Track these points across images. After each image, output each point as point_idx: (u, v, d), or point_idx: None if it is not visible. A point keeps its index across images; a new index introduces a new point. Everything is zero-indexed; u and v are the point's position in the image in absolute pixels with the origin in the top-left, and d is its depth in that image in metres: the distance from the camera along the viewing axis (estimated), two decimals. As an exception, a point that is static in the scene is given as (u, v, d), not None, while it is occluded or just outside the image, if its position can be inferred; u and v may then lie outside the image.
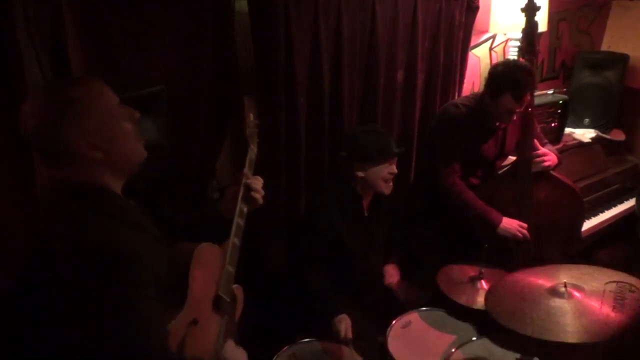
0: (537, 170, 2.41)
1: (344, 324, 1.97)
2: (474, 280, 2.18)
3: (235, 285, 1.49)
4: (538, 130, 2.59)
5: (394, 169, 2.15)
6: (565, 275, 1.81)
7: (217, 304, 1.38)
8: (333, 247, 2.12)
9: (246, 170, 1.55)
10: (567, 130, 3.37)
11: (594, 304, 1.67)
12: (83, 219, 1.12)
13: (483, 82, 2.57)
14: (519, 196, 2.44)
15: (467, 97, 2.63)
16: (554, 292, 1.75)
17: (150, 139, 1.67)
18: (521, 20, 2.42)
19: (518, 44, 2.97)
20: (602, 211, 3.23)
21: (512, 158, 2.67)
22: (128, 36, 1.79)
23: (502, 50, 3.29)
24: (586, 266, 1.92)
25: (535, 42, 2.37)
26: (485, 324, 1.92)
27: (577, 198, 2.52)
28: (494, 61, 3.20)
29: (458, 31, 2.82)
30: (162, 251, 1.27)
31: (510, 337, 1.81)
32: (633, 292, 1.70)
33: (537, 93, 2.67)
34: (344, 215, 2.14)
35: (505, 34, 3.14)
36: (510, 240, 2.39)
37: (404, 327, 2.05)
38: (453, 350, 1.87)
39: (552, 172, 2.47)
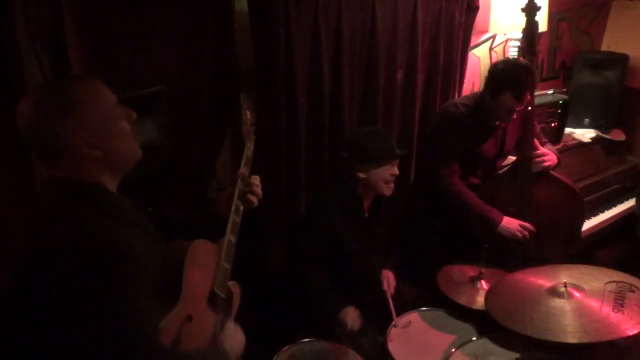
0: (537, 170, 2.41)
1: (350, 317, 1.98)
2: (474, 280, 2.18)
3: (231, 282, 1.49)
4: (537, 129, 2.59)
5: (395, 170, 2.15)
6: (565, 275, 1.82)
7: (212, 300, 1.37)
8: (333, 248, 2.12)
9: (242, 168, 1.54)
10: (567, 130, 3.37)
11: (594, 304, 1.67)
12: (80, 217, 1.12)
13: (483, 82, 2.57)
14: (519, 196, 2.44)
15: (466, 96, 2.62)
16: (554, 292, 1.75)
17: (150, 139, 1.68)
18: (521, 20, 2.41)
19: (518, 44, 2.99)
20: (602, 211, 3.23)
21: (512, 158, 2.67)
22: (128, 36, 1.80)
23: (502, 50, 3.29)
24: (586, 266, 1.93)
25: (536, 42, 2.37)
26: (485, 324, 1.92)
27: (577, 198, 2.52)
28: (494, 61, 3.20)
29: (458, 31, 2.82)
30: (159, 249, 1.28)
31: (510, 337, 1.82)
32: (633, 292, 1.70)
33: (537, 93, 2.67)
34: (344, 216, 2.14)
35: (505, 34, 3.14)
36: (510, 240, 2.39)
37: (404, 327, 2.05)
38: (453, 350, 1.87)
39: (552, 172, 2.46)
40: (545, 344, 1.65)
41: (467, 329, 2.04)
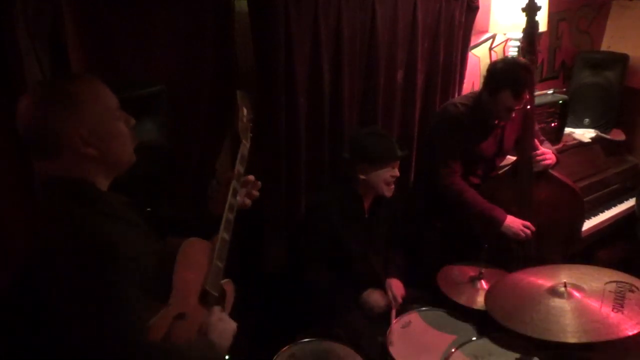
0: (537, 169, 2.41)
1: (372, 298, 2.05)
2: (474, 280, 2.18)
3: (225, 280, 1.48)
4: (536, 128, 2.59)
5: (396, 172, 2.15)
6: (565, 275, 1.82)
7: (204, 298, 1.37)
8: (333, 248, 2.12)
9: (237, 166, 1.52)
10: (567, 130, 3.36)
11: (594, 304, 1.67)
12: (76, 216, 1.13)
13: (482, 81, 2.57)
14: (519, 196, 2.44)
15: (465, 96, 2.63)
16: (554, 292, 1.75)
17: (150, 139, 1.68)
18: (521, 20, 2.41)
19: (518, 44, 3.00)
20: (602, 211, 3.23)
21: (511, 158, 2.67)
22: (128, 36, 1.80)
23: (502, 50, 3.29)
24: (586, 266, 1.93)
25: (536, 42, 2.37)
26: (485, 324, 1.92)
27: (577, 198, 2.52)
28: (493, 60, 3.20)
29: (458, 31, 2.82)
30: (152, 247, 1.28)
31: (510, 337, 1.81)
32: (633, 292, 1.70)
33: (537, 93, 2.67)
34: (344, 216, 2.14)
35: (505, 34, 3.14)
36: (512, 239, 2.39)
37: (404, 327, 2.05)
38: (453, 350, 1.87)
39: (552, 172, 2.46)
40: (545, 344, 1.65)
41: (467, 329, 2.04)
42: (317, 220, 2.13)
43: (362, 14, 2.35)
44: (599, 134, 3.47)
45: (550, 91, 3.34)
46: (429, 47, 2.72)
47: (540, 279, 1.85)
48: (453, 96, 2.90)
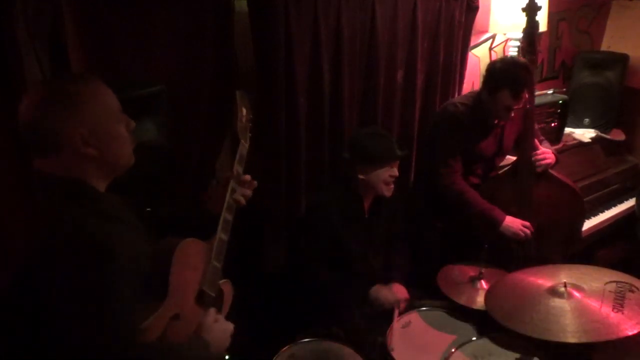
0: (538, 169, 2.41)
1: (381, 294, 2.05)
2: (474, 280, 2.18)
3: (223, 280, 1.48)
4: (535, 128, 2.59)
5: (395, 171, 2.15)
6: (565, 275, 1.82)
7: (201, 298, 1.37)
8: (333, 248, 2.12)
9: (236, 166, 1.52)
10: (567, 130, 3.36)
11: (594, 304, 1.67)
12: (68, 213, 1.13)
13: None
14: (520, 196, 2.44)
15: (465, 95, 2.63)
16: (554, 292, 1.76)
17: (150, 139, 1.68)
18: (521, 20, 2.41)
19: (518, 44, 3.00)
20: (602, 211, 3.23)
21: (511, 158, 2.67)
22: (128, 36, 1.80)
23: (501, 50, 3.29)
24: (586, 266, 1.93)
25: (536, 42, 2.37)
26: (485, 324, 1.92)
27: (577, 198, 2.52)
28: (492, 59, 3.20)
29: (458, 31, 2.82)
30: (148, 247, 1.28)
31: (510, 337, 1.82)
32: (633, 292, 1.70)
33: (537, 93, 2.67)
34: (344, 216, 2.14)
35: (505, 34, 3.14)
36: (512, 239, 2.39)
37: (404, 327, 2.05)
38: (453, 350, 1.87)
39: (552, 172, 2.47)
40: (545, 344, 1.65)
41: (467, 329, 2.04)
42: (317, 220, 2.13)
43: (362, 14, 2.35)
44: (599, 134, 3.47)
45: (550, 91, 3.34)
46: (429, 47, 2.72)
47: (540, 279, 1.85)
48: (453, 96, 2.90)
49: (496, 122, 2.47)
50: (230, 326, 1.40)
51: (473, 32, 2.96)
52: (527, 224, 2.38)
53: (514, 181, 2.45)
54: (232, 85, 2.04)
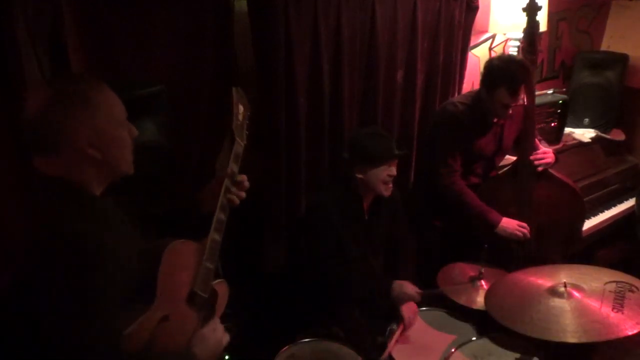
0: (538, 169, 2.41)
1: (406, 288, 2.04)
2: (474, 280, 2.18)
3: (218, 280, 1.47)
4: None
5: (393, 171, 2.14)
6: (565, 275, 1.82)
7: (192, 300, 1.36)
8: (333, 248, 2.12)
9: (231, 165, 1.48)
10: (567, 130, 3.36)
11: (594, 304, 1.67)
12: (59, 216, 1.13)
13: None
14: (520, 196, 2.44)
15: (464, 95, 2.63)
16: (554, 292, 1.75)
17: (150, 139, 1.68)
18: (521, 20, 2.42)
19: (517, 43, 3.00)
20: (602, 211, 3.23)
21: (511, 158, 2.67)
22: (128, 36, 1.80)
23: (501, 50, 3.29)
24: (586, 266, 1.93)
25: (537, 42, 2.37)
26: (485, 324, 1.92)
27: (577, 198, 2.52)
28: (490, 57, 3.20)
29: (458, 31, 2.82)
30: (139, 250, 1.28)
31: (510, 337, 1.82)
32: (633, 292, 1.70)
33: (537, 93, 2.67)
34: (344, 216, 2.14)
35: (504, 34, 3.14)
36: (510, 240, 2.39)
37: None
38: (453, 350, 1.87)
39: (552, 172, 2.47)
40: (545, 344, 1.65)
41: (467, 329, 2.04)
42: (317, 220, 2.13)
43: (362, 14, 2.35)
44: (599, 134, 3.47)
45: (550, 91, 3.34)
46: (429, 47, 2.72)
47: (540, 279, 1.85)
48: (453, 96, 2.90)
49: (495, 120, 2.47)
50: (226, 338, 1.40)
51: (473, 32, 2.96)
52: (524, 224, 2.38)
53: (514, 181, 2.45)
54: (232, 85, 2.04)
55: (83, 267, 1.08)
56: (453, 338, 1.99)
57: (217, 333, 1.37)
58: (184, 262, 1.36)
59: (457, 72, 2.92)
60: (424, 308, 2.15)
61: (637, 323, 1.54)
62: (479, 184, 2.57)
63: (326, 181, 2.39)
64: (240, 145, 1.54)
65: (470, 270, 2.24)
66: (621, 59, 3.56)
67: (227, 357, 1.56)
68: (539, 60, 3.51)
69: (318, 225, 2.12)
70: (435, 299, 2.19)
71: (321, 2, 2.15)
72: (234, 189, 1.49)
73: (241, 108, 1.59)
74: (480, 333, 1.98)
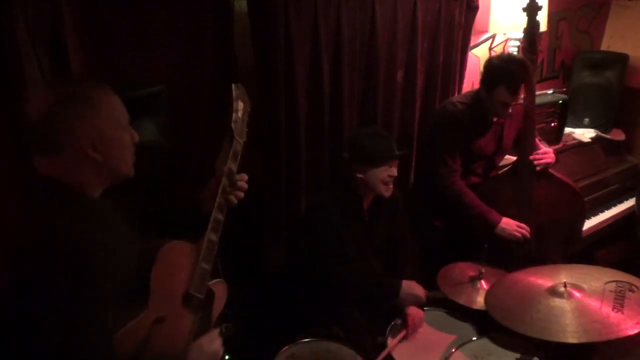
0: (538, 168, 2.41)
1: (415, 287, 2.06)
2: (474, 280, 2.18)
3: (217, 280, 1.46)
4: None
5: (393, 171, 2.14)
6: (565, 275, 1.82)
7: (187, 301, 1.35)
8: (333, 248, 2.12)
9: (229, 163, 1.46)
10: (567, 130, 3.36)
11: (594, 304, 1.67)
12: (51, 216, 1.13)
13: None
14: (520, 196, 2.44)
15: (464, 94, 2.63)
16: (554, 292, 1.76)
17: (150, 139, 1.68)
18: (521, 20, 2.42)
19: (517, 43, 3.00)
20: (602, 211, 3.23)
21: (511, 157, 2.67)
22: (128, 36, 1.80)
23: (501, 50, 3.29)
24: (586, 266, 1.93)
25: (537, 42, 2.37)
26: (485, 324, 1.92)
27: (577, 198, 2.52)
28: (490, 56, 3.20)
29: (458, 31, 2.82)
30: (136, 252, 1.28)
31: (510, 337, 1.82)
32: (633, 291, 1.70)
33: (537, 93, 2.67)
34: (344, 216, 2.14)
35: (504, 34, 3.14)
36: (510, 240, 2.39)
37: (404, 326, 2.05)
38: (453, 350, 1.87)
39: (552, 172, 2.47)
40: (545, 344, 1.65)
41: (467, 329, 2.04)
42: (317, 220, 2.13)
43: (362, 14, 2.35)
44: (599, 133, 3.47)
45: (550, 91, 3.34)
46: (429, 47, 2.72)
47: (540, 279, 1.85)
48: (453, 96, 2.90)
49: (495, 120, 2.47)
50: (220, 351, 1.39)
51: (473, 32, 2.96)
52: (523, 225, 2.38)
53: (514, 181, 2.45)
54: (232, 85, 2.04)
55: (82, 268, 1.08)
56: (453, 338, 1.99)
57: (214, 345, 1.37)
58: (179, 262, 1.35)
59: (457, 72, 2.92)
60: (424, 308, 2.15)
61: (637, 323, 1.54)
62: (479, 184, 2.57)
63: (326, 181, 2.39)
64: (239, 143, 1.51)
65: (470, 270, 2.24)
66: (621, 59, 3.56)
67: (227, 357, 1.55)
68: (539, 60, 3.51)
69: (318, 225, 2.12)
70: (436, 299, 2.19)
71: (321, 2, 2.15)
72: (232, 189, 1.48)
73: (241, 105, 1.55)
74: (480, 333, 1.98)
